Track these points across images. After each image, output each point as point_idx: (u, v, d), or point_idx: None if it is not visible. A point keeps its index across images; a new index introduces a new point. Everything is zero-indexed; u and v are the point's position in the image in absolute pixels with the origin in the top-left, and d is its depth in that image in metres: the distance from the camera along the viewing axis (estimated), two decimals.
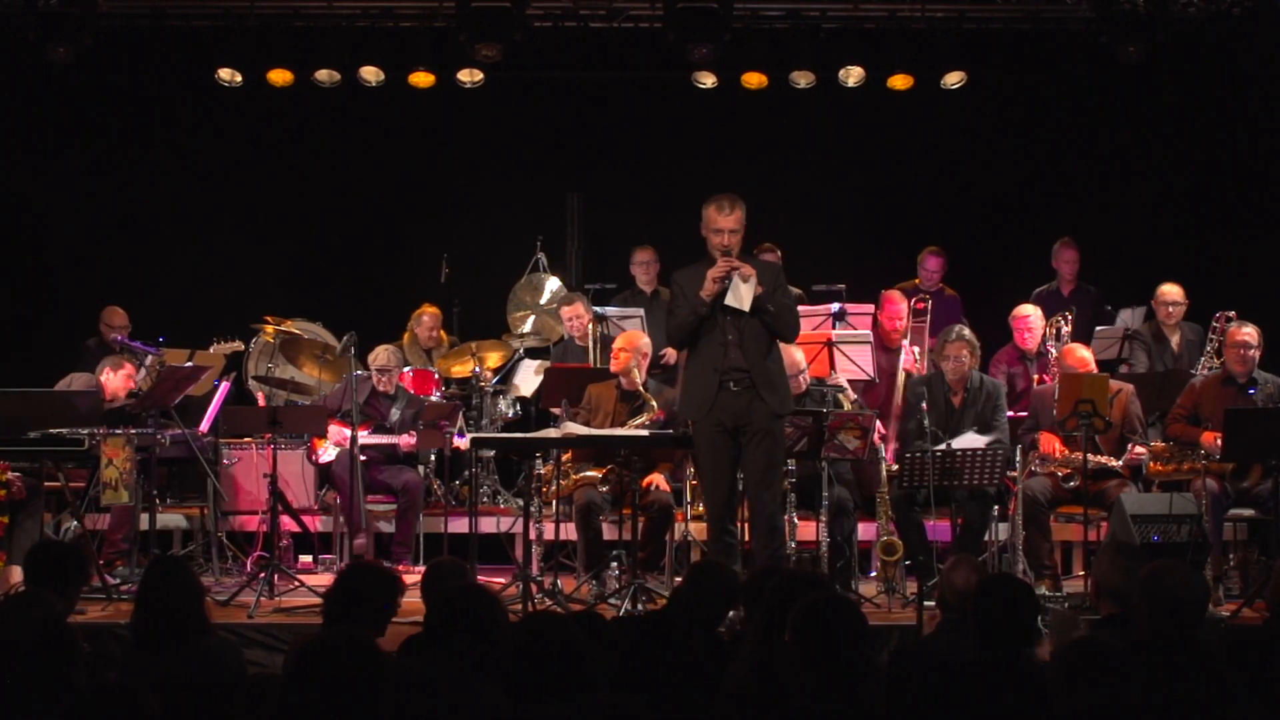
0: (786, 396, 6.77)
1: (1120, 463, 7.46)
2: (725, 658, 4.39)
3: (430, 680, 3.66)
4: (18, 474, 7.31)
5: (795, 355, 7.61)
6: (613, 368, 7.88)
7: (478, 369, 9.21)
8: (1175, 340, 8.77)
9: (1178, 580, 4.12)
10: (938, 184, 10.57)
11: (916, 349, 8.86)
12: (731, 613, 4.93)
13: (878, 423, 7.77)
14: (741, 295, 6.50)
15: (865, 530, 7.80)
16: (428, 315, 9.65)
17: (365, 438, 8.18)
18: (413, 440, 8.33)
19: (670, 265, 9.48)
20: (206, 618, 4.32)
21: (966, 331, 7.81)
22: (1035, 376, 8.57)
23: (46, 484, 7.54)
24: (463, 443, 8.19)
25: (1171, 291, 8.72)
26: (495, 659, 3.68)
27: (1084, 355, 7.81)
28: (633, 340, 7.90)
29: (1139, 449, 7.46)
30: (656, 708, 3.31)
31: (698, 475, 7.23)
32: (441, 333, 9.75)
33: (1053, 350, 8.38)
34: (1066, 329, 8.54)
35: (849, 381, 8.27)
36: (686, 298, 6.64)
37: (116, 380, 8.07)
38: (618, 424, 7.69)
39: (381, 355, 8.55)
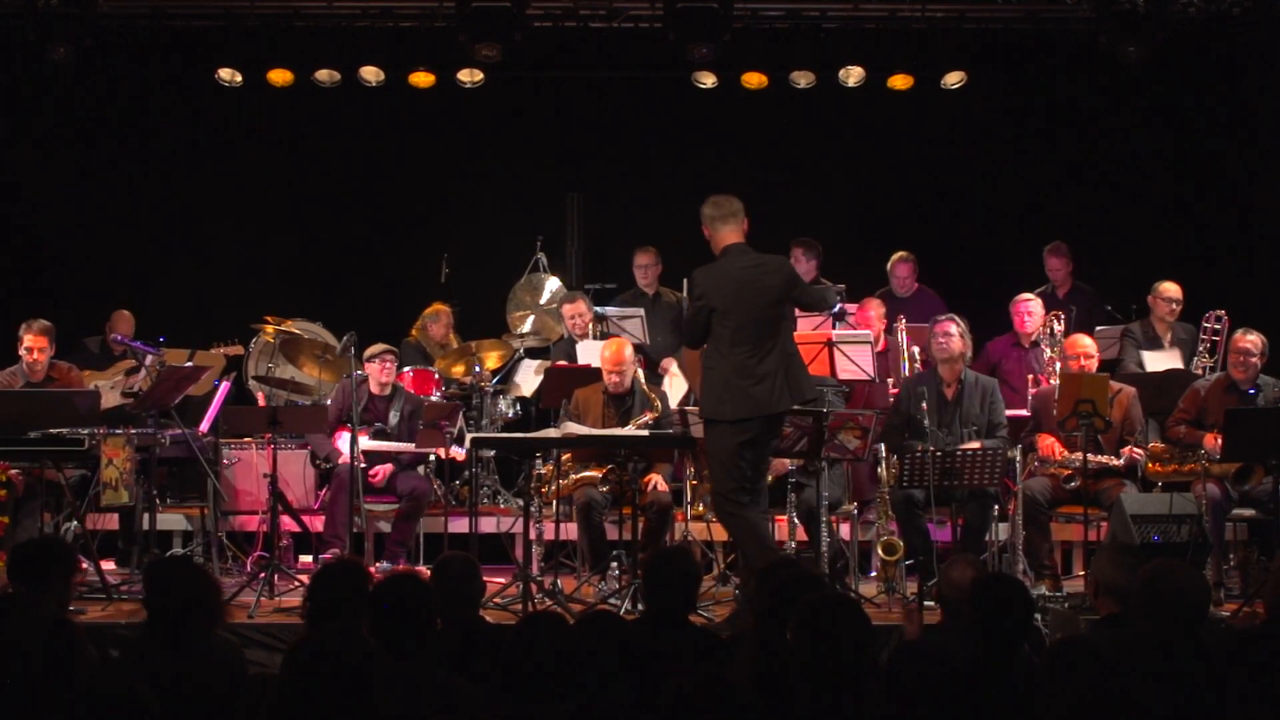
0: (708, 399, 6.56)
1: (1121, 462, 7.45)
2: (725, 658, 4.39)
3: (426, 678, 3.66)
4: (18, 469, 7.31)
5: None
6: (610, 386, 7.87)
7: (478, 368, 9.21)
8: (1167, 339, 8.76)
9: (1179, 580, 4.12)
10: (937, 184, 10.57)
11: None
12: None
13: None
14: None
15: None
16: (443, 313, 9.66)
17: (368, 444, 8.18)
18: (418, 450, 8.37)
19: (671, 266, 9.53)
20: (220, 609, 4.30)
21: (954, 317, 7.82)
22: (1030, 375, 8.58)
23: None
24: (459, 453, 8.21)
25: (1171, 289, 8.73)
26: (430, 645, 3.71)
27: (1086, 344, 7.80)
28: (618, 357, 7.85)
29: (1136, 451, 7.46)
30: (652, 706, 3.31)
31: None
32: (452, 335, 9.76)
33: (1048, 350, 8.40)
34: (1059, 328, 8.53)
35: (847, 381, 8.29)
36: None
37: (32, 348, 7.80)
38: (608, 427, 7.69)
39: (380, 347, 8.55)
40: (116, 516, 7.87)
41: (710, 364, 6.59)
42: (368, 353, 8.47)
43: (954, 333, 7.69)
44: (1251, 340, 7.54)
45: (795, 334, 8.35)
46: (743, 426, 6.50)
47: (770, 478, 7.32)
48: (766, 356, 6.52)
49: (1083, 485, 7.21)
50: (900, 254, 9.66)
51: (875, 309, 9.02)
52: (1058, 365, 8.11)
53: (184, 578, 4.21)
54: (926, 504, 7.12)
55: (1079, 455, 7.27)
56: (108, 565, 7.57)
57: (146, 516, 7.52)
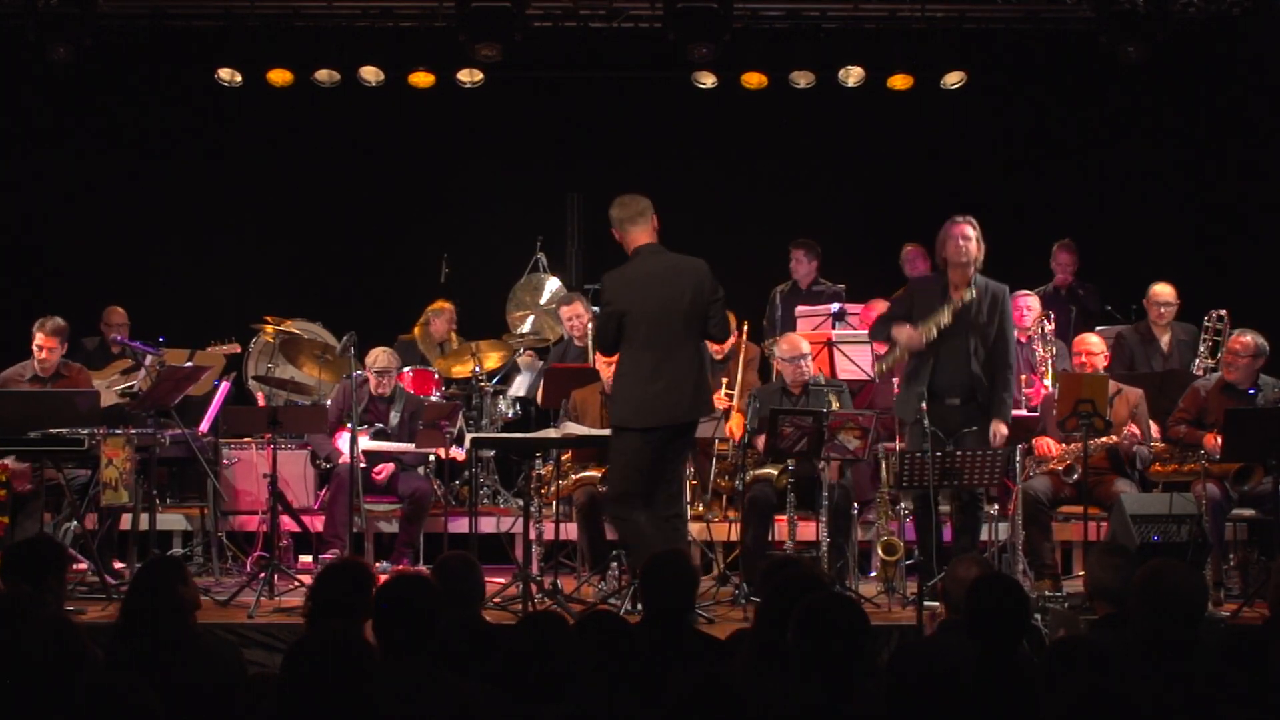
0: (618, 406, 6.50)
1: (1120, 439, 7.37)
2: (724, 658, 4.39)
3: (426, 678, 3.66)
4: (24, 463, 7.28)
5: (796, 341, 7.78)
6: (606, 383, 7.86)
7: (477, 368, 9.21)
8: (1165, 340, 8.73)
9: (1177, 580, 4.12)
10: (937, 184, 10.57)
11: None
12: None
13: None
14: None
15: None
16: (447, 309, 9.66)
17: (369, 444, 8.18)
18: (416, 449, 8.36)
19: None
20: (191, 625, 4.29)
21: (970, 219, 7.36)
22: (1023, 376, 8.58)
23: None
24: (459, 453, 8.20)
25: (1163, 291, 8.68)
26: (433, 645, 3.71)
27: (1092, 342, 7.77)
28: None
29: (1134, 428, 7.40)
30: (651, 707, 3.31)
31: None
32: (453, 333, 9.76)
33: (1039, 350, 8.41)
34: (1050, 327, 8.54)
35: (848, 381, 8.28)
36: None
37: (43, 346, 7.74)
38: (606, 426, 7.67)
39: (382, 357, 8.51)
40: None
41: (622, 369, 6.46)
42: (375, 363, 8.45)
43: (972, 236, 7.25)
44: (1243, 342, 7.52)
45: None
46: (649, 436, 6.37)
47: (784, 478, 7.34)
48: (679, 363, 6.37)
49: (1083, 477, 7.16)
50: (911, 246, 9.63)
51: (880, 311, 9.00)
52: (1049, 364, 8.13)
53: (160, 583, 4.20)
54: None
55: (1077, 446, 7.22)
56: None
57: (146, 516, 7.51)
